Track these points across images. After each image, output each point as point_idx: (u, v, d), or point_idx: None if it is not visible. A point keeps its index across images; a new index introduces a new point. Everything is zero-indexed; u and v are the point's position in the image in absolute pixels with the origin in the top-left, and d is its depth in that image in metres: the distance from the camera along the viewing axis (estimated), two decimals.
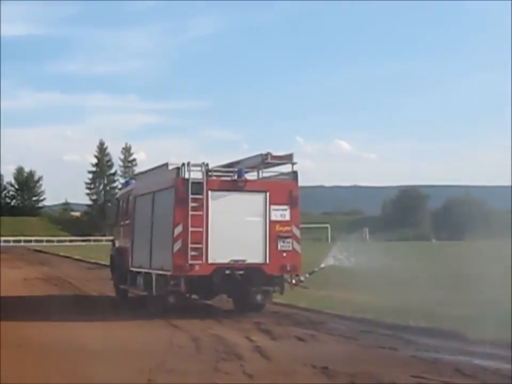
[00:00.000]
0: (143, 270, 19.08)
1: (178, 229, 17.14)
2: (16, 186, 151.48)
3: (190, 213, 17.11)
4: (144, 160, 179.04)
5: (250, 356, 12.09)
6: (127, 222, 21.52)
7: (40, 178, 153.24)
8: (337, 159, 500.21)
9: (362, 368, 10.83)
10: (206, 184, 17.33)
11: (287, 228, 17.91)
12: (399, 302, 18.18)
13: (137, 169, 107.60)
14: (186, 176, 17.28)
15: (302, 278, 18.41)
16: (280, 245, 17.78)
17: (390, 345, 13.10)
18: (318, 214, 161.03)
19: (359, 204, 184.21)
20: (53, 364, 11.40)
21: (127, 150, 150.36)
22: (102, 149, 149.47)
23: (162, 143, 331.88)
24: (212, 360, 11.63)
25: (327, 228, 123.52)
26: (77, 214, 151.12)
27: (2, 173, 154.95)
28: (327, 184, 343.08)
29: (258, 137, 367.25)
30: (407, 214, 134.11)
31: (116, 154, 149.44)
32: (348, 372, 10.52)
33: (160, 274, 17.86)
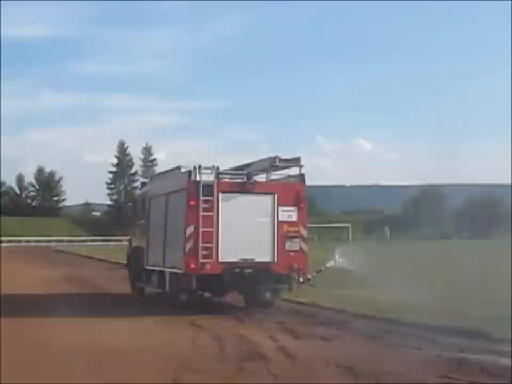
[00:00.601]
0: (157, 268, 19.95)
1: (190, 229, 17.88)
2: (37, 187, 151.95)
3: (201, 214, 17.82)
4: (164, 160, 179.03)
5: (274, 355, 12.14)
6: (142, 222, 22.33)
7: (60, 179, 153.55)
8: (357, 158, 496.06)
9: (388, 368, 10.85)
10: (217, 186, 18.06)
11: (295, 228, 18.57)
12: (421, 300, 18.48)
13: (158, 169, 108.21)
14: (198, 178, 18.00)
15: (309, 277, 19.11)
16: (288, 245, 18.46)
17: (414, 345, 13.11)
18: (338, 213, 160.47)
19: (379, 203, 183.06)
20: (77, 364, 11.48)
21: (147, 150, 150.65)
22: (122, 149, 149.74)
23: (182, 143, 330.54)
24: (236, 360, 11.69)
25: (348, 227, 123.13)
26: (98, 214, 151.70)
27: (23, 173, 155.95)
28: (347, 183, 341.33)
29: (278, 136, 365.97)
30: (428, 212, 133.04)
31: (136, 155, 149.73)
32: (373, 371, 10.51)
33: (172, 273, 18.63)
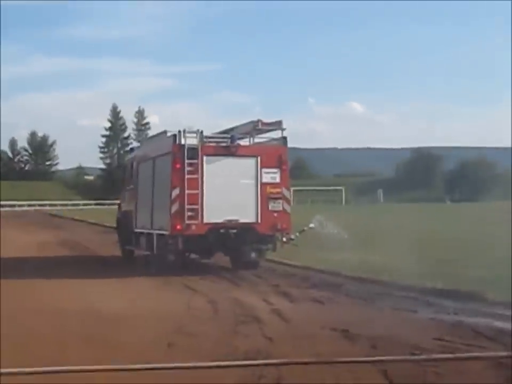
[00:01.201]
0: (145, 231, 20.35)
1: (176, 192, 18.23)
2: (30, 151, 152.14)
3: (186, 176, 18.17)
4: (157, 124, 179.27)
5: (269, 318, 12.08)
6: (131, 186, 22.69)
7: (53, 143, 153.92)
8: (349, 121, 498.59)
9: (383, 331, 10.72)
10: (201, 149, 18.38)
11: (278, 190, 18.97)
12: (415, 263, 18.41)
13: (151, 133, 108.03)
14: (183, 142, 18.33)
15: (293, 237, 19.30)
16: (271, 206, 18.89)
17: (409, 308, 13.08)
18: (331, 176, 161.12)
19: (372, 165, 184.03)
20: (70, 328, 11.35)
21: (140, 114, 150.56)
22: (115, 112, 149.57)
23: (175, 106, 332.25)
24: (231, 323, 11.63)
25: (341, 190, 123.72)
26: (91, 178, 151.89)
27: (16, 138, 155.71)
28: (339, 146, 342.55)
29: (270, 99, 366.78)
30: (421, 175, 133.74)
31: (129, 118, 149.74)
32: (368, 335, 10.38)
33: (160, 234, 19.02)
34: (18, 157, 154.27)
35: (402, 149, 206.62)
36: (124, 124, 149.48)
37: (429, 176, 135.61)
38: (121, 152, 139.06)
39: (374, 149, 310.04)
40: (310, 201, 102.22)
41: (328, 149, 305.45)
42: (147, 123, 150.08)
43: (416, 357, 9.07)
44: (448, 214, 54.85)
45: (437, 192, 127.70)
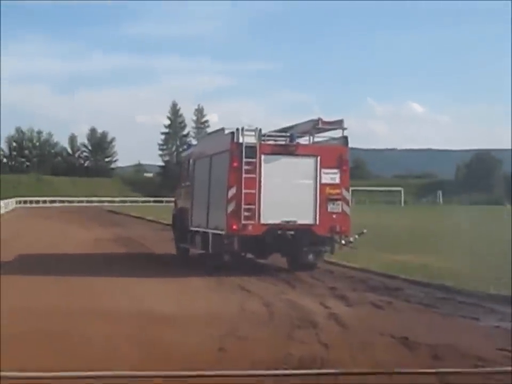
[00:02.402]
0: (200, 230, 20.00)
1: (232, 191, 17.91)
2: (90, 148, 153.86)
3: (244, 175, 17.80)
4: (216, 122, 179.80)
5: (325, 323, 11.71)
6: (187, 183, 22.42)
7: (113, 140, 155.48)
8: (409, 121, 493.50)
9: (444, 339, 10.32)
10: (259, 148, 18.00)
11: (337, 191, 18.48)
12: (475, 267, 18.26)
13: (209, 131, 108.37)
14: (241, 140, 17.94)
15: (351, 239, 18.83)
16: (330, 207, 18.41)
17: (471, 315, 12.65)
18: (389, 177, 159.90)
19: (431, 167, 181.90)
20: (121, 329, 11.03)
21: (199, 112, 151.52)
22: (175, 110, 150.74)
23: (234, 105, 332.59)
24: (286, 327, 11.26)
25: (400, 191, 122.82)
26: (150, 175, 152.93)
27: (75, 134, 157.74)
28: (399, 147, 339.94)
29: (330, 99, 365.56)
30: (481, 178, 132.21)
31: (188, 116, 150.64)
32: (429, 343, 9.96)
33: (215, 234, 18.66)
34: (78, 153, 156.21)
35: (462, 150, 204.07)
36: (183, 121, 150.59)
37: (488, 178, 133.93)
38: (180, 149, 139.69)
39: (433, 150, 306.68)
40: (368, 201, 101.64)
41: (387, 149, 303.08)
42: (206, 121, 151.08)
43: (480, 370, 8.63)
44: (509, 218, 53.76)
45: (496, 195, 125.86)
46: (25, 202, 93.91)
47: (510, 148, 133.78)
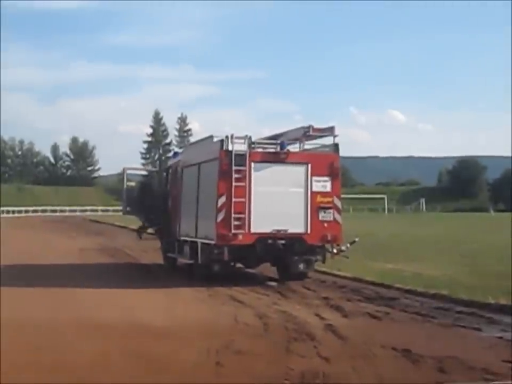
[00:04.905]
0: (189, 239, 19.60)
1: (222, 200, 17.55)
2: (72, 157, 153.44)
3: (234, 184, 17.48)
4: (198, 130, 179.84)
5: (323, 335, 11.39)
6: (174, 192, 21.97)
7: (93, 148, 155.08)
8: (391, 129, 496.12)
9: (448, 351, 10.02)
10: (249, 156, 17.69)
11: (328, 199, 18.17)
12: (468, 275, 18.07)
13: (192, 140, 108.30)
14: (230, 148, 17.64)
15: (343, 248, 18.54)
16: (321, 215, 18.07)
17: (472, 325, 12.38)
18: (372, 184, 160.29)
19: (414, 174, 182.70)
20: (114, 342, 10.70)
21: (182, 120, 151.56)
22: (157, 118, 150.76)
23: (216, 114, 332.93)
24: (283, 340, 10.94)
25: (383, 198, 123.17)
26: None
27: (58, 143, 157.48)
28: (381, 154, 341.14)
29: (312, 107, 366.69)
30: (464, 185, 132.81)
31: (171, 125, 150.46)
32: (432, 355, 9.68)
33: (205, 243, 18.31)
34: (60, 162, 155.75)
35: (444, 157, 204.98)
36: (165, 130, 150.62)
37: (472, 185, 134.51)
38: (163, 158, 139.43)
39: (416, 157, 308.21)
40: (352, 209, 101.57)
41: (370, 157, 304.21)
42: (189, 129, 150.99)
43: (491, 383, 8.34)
44: (494, 224, 53.81)
45: (480, 202, 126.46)
46: (7, 212, 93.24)
47: (492, 154, 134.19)
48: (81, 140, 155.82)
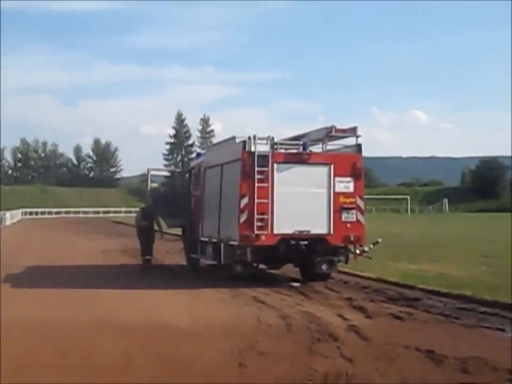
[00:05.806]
0: (212, 240, 19.62)
1: (245, 201, 17.55)
2: (94, 158, 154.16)
3: (256, 185, 17.48)
4: (220, 131, 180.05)
5: (346, 336, 11.32)
6: (197, 193, 22.00)
7: (116, 149, 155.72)
8: (414, 129, 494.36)
9: (472, 352, 9.96)
10: (272, 156, 17.68)
11: (351, 200, 18.15)
12: (491, 276, 17.96)
13: (215, 141, 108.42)
14: (253, 149, 17.64)
15: (366, 248, 18.46)
16: (344, 216, 18.06)
17: (495, 325, 12.34)
18: (395, 185, 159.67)
19: (437, 174, 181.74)
20: (138, 342, 10.85)
21: (205, 121, 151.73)
22: (180, 119, 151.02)
23: (239, 115, 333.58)
24: (306, 341, 10.90)
25: (406, 199, 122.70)
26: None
27: (80, 145, 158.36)
28: (404, 155, 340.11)
29: (334, 107, 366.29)
30: (487, 185, 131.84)
31: (193, 126, 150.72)
32: (456, 356, 9.64)
33: (227, 244, 18.32)
34: (83, 164, 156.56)
35: (467, 157, 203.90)
36: (188, 131, 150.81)
37: (495, 185, 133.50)
38: (186, 159, 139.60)
39: (438, 157, 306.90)
40: (374, 209, 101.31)
41: (393, 157, 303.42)
42: (211, 131, 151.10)
43: None
44: None
45: (503, 202, 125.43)
46: (31, 213, 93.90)
47: None
48: (103, 141, 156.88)
